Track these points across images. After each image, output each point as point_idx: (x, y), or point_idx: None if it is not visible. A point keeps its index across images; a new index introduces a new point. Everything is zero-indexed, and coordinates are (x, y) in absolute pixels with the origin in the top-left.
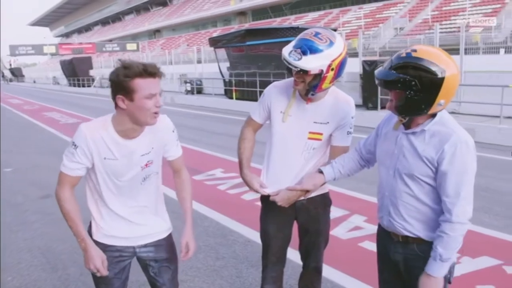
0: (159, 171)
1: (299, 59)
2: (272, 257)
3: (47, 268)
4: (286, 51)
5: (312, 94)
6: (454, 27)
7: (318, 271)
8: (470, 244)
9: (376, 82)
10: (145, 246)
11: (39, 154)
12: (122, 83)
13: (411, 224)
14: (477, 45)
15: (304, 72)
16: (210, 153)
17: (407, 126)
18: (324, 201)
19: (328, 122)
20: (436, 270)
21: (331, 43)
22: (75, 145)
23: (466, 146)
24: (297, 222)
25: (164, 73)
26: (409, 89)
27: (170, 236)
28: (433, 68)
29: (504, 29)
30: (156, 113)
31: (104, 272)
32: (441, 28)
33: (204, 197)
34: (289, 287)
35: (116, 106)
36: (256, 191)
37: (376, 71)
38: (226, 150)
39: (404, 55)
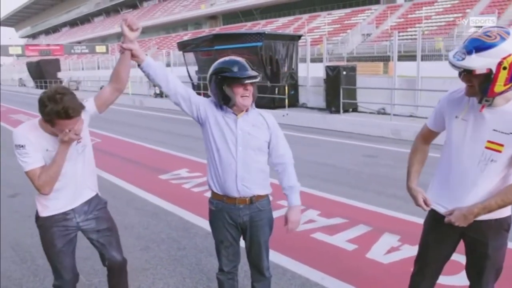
0: (88, 145)
1: (463, 59)
2: (426, 269)
3: (16, 260)
4: (451, 53)
5: (487, 101)
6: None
7: None
8: (411, 234)
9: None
10: (87, 220)
11: (7, 155)
12: (43, 115)
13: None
14: (440, 52)
15: (469, 72)
16: (176, 154)
17: None
18: (499, 225)
19: (511, 133)
20: (296, 201)
21: (502, 39)
22: (21, 146)
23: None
24: (463, 241)
25: (84, 107)
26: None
27: (106, 209)
28: None
29: (465, 38)
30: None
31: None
32: (406, 35)
33: (168, 194)
34: None
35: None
36: (420, 206)
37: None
38: (192, 151)
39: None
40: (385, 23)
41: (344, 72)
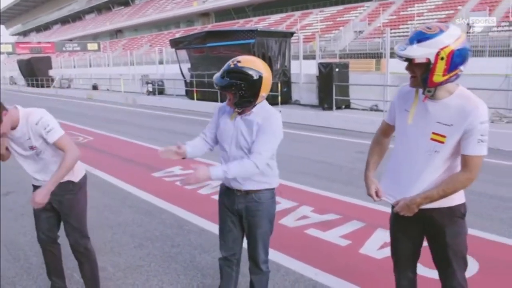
0: (48, 151)
1: (404, 48)
2: (398, 263)
3: (9, 258)
4: (398, 44)
5: (428, 91)
6: (408, 32)
7: None
8: None
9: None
10: (54, 200)
11: None
12: None
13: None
14: None
15: (409, 61)
16: None
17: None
18: (452, 213)
19: (452, 125)
20: (214, 171)
21: (441, 32)
22: None
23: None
24: (425, 234)
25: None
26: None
27: (73, 196)
28: (251, 72)
29: None
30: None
31: None
32: (398, 32)
33: (162, 192)
34: None
35: None
36: (370, 196)
37: (214, 77)
38: None
39: (232, 65)
40: (378, 20)
41: (337, 69)
